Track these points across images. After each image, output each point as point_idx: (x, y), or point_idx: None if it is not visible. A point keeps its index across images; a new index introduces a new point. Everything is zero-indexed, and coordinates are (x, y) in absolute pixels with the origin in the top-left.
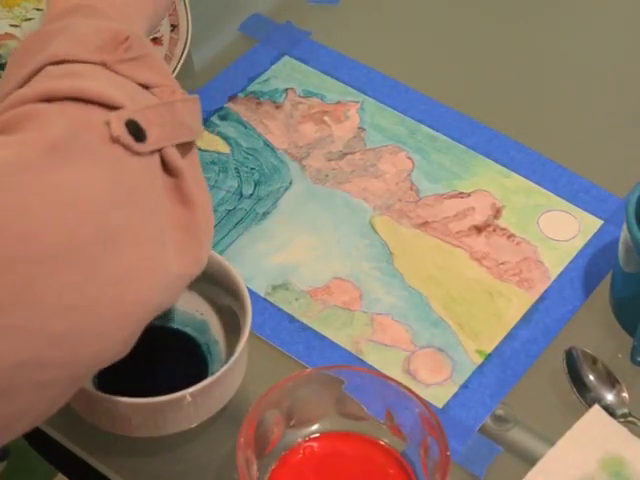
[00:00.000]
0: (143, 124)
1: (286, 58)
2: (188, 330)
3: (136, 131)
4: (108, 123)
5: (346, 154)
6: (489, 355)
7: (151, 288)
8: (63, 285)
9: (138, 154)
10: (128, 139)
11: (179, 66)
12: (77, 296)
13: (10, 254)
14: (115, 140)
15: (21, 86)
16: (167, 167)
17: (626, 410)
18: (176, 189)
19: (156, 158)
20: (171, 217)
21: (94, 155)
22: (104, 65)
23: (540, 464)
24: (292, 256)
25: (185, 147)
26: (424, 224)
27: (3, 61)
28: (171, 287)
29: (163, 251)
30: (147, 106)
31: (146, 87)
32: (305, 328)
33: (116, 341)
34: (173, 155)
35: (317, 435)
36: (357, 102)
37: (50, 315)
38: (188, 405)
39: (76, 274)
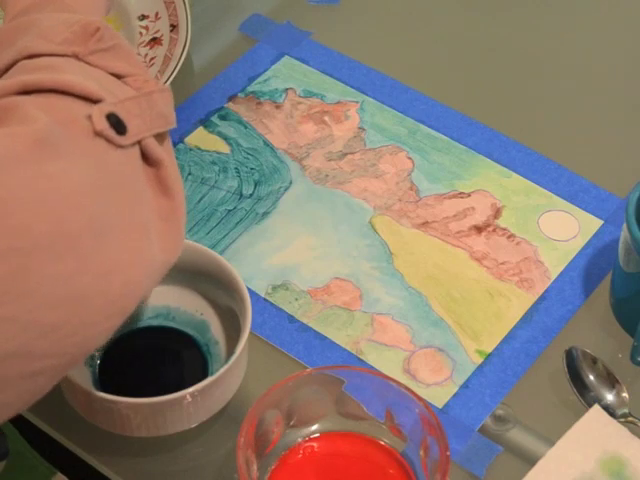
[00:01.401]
0: (123, 116)
1: (286, 58)
2: (188, 330)
3: (117, 124)
4: (90, 117)
5: (346, 154)
6: (489, 355)
7: (139, 277)
8: (54, 276)
9: (120, 147)
10: (110, 133)
11: (179, 66)
12: (68, 287)
13: (2, 245)
14: (98, 134)
15: None
16: (147, 157)
17: (626, 410)
18: (157, 179)
19: (136, 149)
20: (154, 206)
21: (79, 148)
22: (76, 57)
23: (540, 464)
24: (292, 256)
25: (161, 137)
26: (424, 224)
27: None
28: (155, 275)
29: (148, 240)
30: (126, 98)
31: (119, 77)
32: (305, 328)
33: (103, 329)
34: (153, 145)
35: (317, 435)
36: (357, 102)
37: (41, 306)
38: (188, 405)
39: (67, 264)
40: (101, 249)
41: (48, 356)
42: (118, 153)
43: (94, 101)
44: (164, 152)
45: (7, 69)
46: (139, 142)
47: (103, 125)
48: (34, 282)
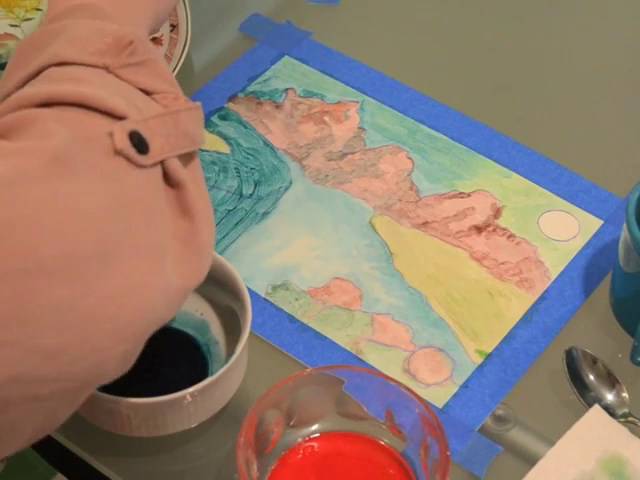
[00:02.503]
0: (146, 135)
1: (286, 58)
2: (188, 330)
3: (139, 142)
4: (111, 134)
5: (346, 154)
6: (489, 355)
7: (150, 302)
8: (60, 300)
9: (141, 166)
10: (131, 151)
11: (179, 66)
12: (74, 311)
13: (7, 267)
14: (118, 152)
15: (22, 86)
16: (169, 178)
17: (626, 410)
18: (177, 201)
19: (158, 170)
20: (172, 229)
21: (96, 167)
22: (106, 69)
23: (540, 464)
24: (292, 256)
25: (188, 156)
26: (424, 224)
27: (3, 61)
28: (170, 300)
29: (163, 265)
30: (151, 116)
31: (148, 93)
32: (305, 328)
33: (113, 355)
34: (175, 166)
35: (317, 435)
36: (357, 102)
37: (46, 330)
38: (188, 405)
39: (73, 288)
40: (110, 273)
41: (54, 380)
42: (138, 173)
43: (118, 118)
44: (187, 173)
45: (36, 74)
46: (162, 162)
47: (124, 143)
48: (38, 306)
